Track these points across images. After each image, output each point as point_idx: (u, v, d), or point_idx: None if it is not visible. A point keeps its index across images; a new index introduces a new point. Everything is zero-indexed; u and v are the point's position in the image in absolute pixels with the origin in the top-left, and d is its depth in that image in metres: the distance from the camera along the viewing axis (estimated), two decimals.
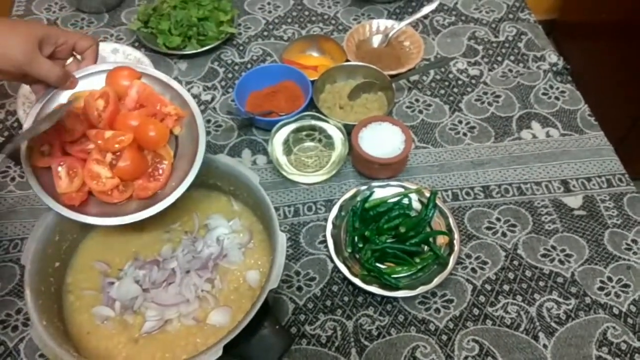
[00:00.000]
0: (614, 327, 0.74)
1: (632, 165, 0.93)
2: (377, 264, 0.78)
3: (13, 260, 0.83)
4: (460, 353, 0.73)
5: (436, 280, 0.75)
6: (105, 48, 1.05)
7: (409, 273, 0.78)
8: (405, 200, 0.85)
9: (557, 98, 1.02)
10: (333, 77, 1.01)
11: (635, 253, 0.81)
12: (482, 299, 0.78)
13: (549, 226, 0.85)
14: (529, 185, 0.90)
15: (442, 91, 1.04)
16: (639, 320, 0.75)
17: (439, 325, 0.75)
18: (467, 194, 0.89)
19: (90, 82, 0.68)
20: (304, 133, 0.94)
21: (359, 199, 0.85)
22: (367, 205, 0.83)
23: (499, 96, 1.03)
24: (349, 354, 0.73)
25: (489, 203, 0.88)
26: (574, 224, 0.85)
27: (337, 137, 0.91)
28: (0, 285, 0.80)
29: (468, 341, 0.74)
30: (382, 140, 0.88)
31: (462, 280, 0.79)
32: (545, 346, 0.73)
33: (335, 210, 0.83)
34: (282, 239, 0.65)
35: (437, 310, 0.77)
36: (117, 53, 1.06)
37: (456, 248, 0.78)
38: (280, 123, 0.92)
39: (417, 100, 1.03)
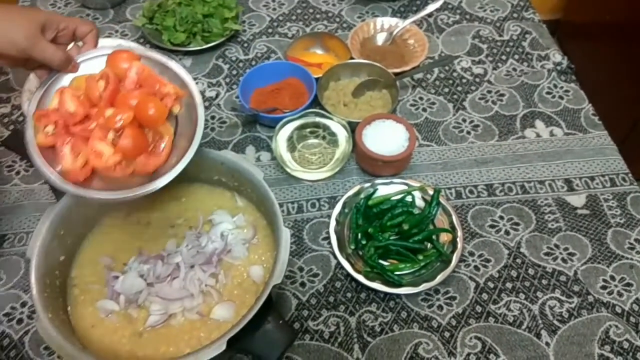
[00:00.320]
0: (616, 326, 0.75)
1: (634, 166, 0.92)
2: (380, 261, 0.79)
3: (18, 254, 0.83)
4: (463, 350, 0.73)
5: (439, 278, 0.75)
6: (110, 44, 1.05)
7: (412, 270, 0.78)
8: (409, 198, 0.85)
9: (561, 97, 1.02)
10: (337, 75, 1.01)
11: (638, 252, 0.81)
12: (484, 296, 0.78)
13: (552, 225, 0.85)
14: (532, 183, 0.90)
15: (446, 89, 1.04)
16: None
17: (441, 322, 0.75)
18: (471, 192, 0.89)
19: (91, 66, 0.70)
20: (308, 130, 0.94)
21: (362, 196, 0.85)
22: (370, 202, 0.84)
23: (503, 95, 1.03)
24: (351, 350, 0.73)
25: (493, 201, 0.88)
26: (577, 222, 0.85)
27: (341, 134, 0.92)
28: (6, 278, 0.80)
29: (470, 338, 0.74)
30: (386, 137, 0.88)
31: (465, 277, 0.80)
32: (547, 344, 0.73)
33: (338, 207, 0.83)
34: (286, 234, 0.66)
35: (440, 307, 0.77)
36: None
37: (459, 246, 0.78)
38: (284, 120, 0.92)
39: (421, 99, 1.03)
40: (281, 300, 0.78)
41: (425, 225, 0.81)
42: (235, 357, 0.72)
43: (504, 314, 0.76)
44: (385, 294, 0.77)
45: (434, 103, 1.02)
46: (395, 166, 0.89)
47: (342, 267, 0.78)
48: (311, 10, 1.20)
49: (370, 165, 0.90)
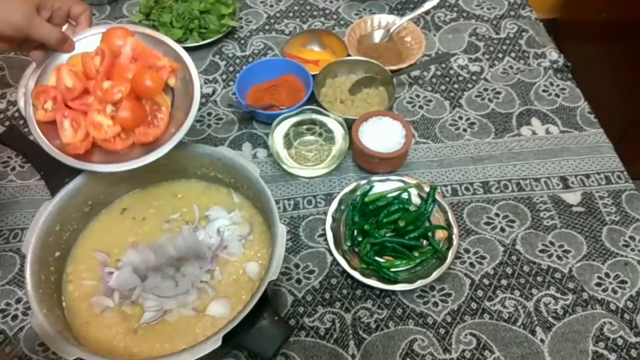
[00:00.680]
0: (610, 323, 0.75)
1: (630, 164, 0.93)
2: (376, 258, 0.79)
3: (13, 250, 0.83)
4: (458, 346, 0.73)
5: (435, 274, 0.75)
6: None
7: (408, 267, 0.78)
8: (405, 195, 0.85)
9: (557, 95, 1.02)
10: (334, 72, 1.01)
11: (632, 250, 0.82)
12: (480, 293, 0.78)
13: (548, 222, 0.85)
14: (528, 181, 0.90)
15: (443, 87, 1.04)
16: (636, 316, 0.75)
17: (437, 318, 0.76)
18: (467, 189, 0.89)
19: (86, 45, 0.70)
20: (305, 127, 0.94)
21: (358, 193, 0.85)
22: (366, 199, 0.84)
23: (499, 93, 1.03)
24: (347, 346, 0.73)
25: (488, 198, 0.88)
26: (572, 220, 0.85)
27: (338, 131, 0.92)
28: (1, 274, 0.80)
29: (466, 335, 0.74)
30: (383, 134, 0.88)
31: (460, 274, 0.80)
32: (542, 341, 0.74)
33: (335, 203, 0.83)
34: (282, 230, 0.66)
35: (435, 304, 0.77)
36: None
37: (455, 242, 0.78)
38: (281, 117, 0.92)
39: (417, 96, 1.03)
40: (277, 296, 0.78)
41: (421, 222, 0.81)
42: (230, 353, 0.72)
43: (499, 310, 0.76)
44: (381, 290, 0.77)
45: (430, 100, 1.02)
46: (392, 163, 0.89)
47: (338, 264, 0.78)
48: (308, 7, 1.20)
49: (366, 162, 0.90)
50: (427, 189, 0.84)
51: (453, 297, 0.78)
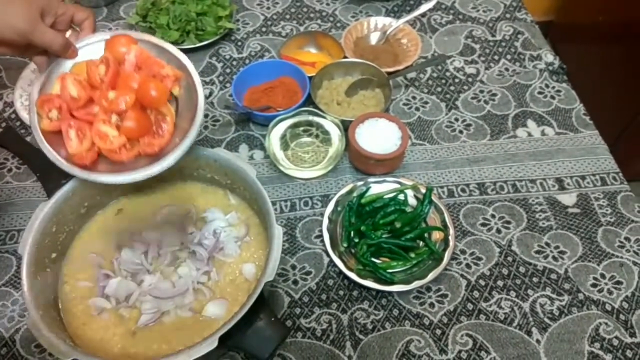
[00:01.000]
0: (606, 323, 0.75)
1: (625, 166, 0.93)
2: (373, 259, 0.79)
3: (9, 252, 0.83)
4: (454, 347, 0.73)
5: (431, 275, 0.76)
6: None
7: (404, 268, 0.79)
8: (401, 196, 0.85)
9: (552, 97, 1.03)
10: (331, 74, 1.01)
11: (628, 251, 0.82)
12: (476, 294, 0.78)
13: (543, 223, 0.85)
14: (523, 182, 0.90)
15: (439, 89, 1.05)
16: (631, 316, 0.76)
17: (433, 319, 0.76)
18: (463, 190, 0.90)
19: (89, 52, 0.70)
20: (301, 128, 0.94)
21: (355, 194, 0.86)
22: (363, 200, 0.84)
23: (495, 94, 1.04)
24: (343, 347, 0.74)
25: (484, 200, 0.88)
26: (568, 221, 0.86)
27: (334, 132, 0.92)
28: None
29: (462, 335, 0.74)
30: (379, 136, 0.89)
31: (456, 275, 0.80)
32: (538, 341, 0.74)
33: (331, 205, 0.84)
34: (278, 231, 0.66)
35: (432, 305, 0.77)
36: None
37: (451, 244, 0.79)
38: (277, 118, 0.92)
39: (414, 98, 1.03)
40: (273, 297, 0.78)
41: (418, 224, 0.82)
42: (227, 355, 0.72)
43: (495, 311, 0.77)
44: (377, 291, 0.78)
45: (426, 102, 1.03)
46: (388, 165, 0.90)
47: (335, 265, 0.78)
48: (305, 9, 1.20)
49: (363, 163, 0.90)
50: (423, 191, 0.84)
51: (449, 298, 0.78)
